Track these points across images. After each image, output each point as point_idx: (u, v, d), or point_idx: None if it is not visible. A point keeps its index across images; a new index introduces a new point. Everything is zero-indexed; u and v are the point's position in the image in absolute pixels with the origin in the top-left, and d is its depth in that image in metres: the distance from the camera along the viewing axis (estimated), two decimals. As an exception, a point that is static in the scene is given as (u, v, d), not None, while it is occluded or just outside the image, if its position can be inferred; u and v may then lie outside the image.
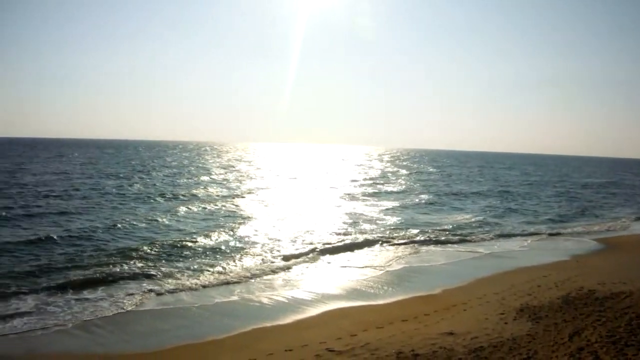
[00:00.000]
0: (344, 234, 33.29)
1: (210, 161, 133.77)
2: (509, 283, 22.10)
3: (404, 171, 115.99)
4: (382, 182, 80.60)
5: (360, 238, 32.19)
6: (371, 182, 79.37)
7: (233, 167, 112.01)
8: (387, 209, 46.68)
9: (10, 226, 30.99)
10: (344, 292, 21.35)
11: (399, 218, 41.21)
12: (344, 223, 37.82)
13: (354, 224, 37.70)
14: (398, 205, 50.19)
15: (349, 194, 58.13)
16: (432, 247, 30.81)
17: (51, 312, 17.58)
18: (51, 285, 20.07)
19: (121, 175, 74.57)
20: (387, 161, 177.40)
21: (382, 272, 24.83)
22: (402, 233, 34.21)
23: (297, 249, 28.44)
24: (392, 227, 36.57)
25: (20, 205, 38.84)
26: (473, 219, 42.07)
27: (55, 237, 27.96)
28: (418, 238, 32.85)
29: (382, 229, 35.85)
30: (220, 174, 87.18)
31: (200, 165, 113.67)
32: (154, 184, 62.28)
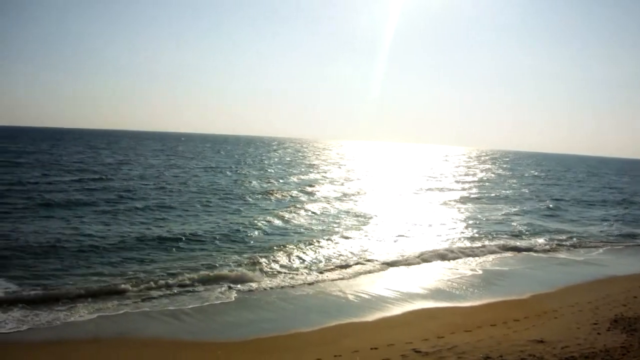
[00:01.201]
0: (445, 236, 33.85)
1: (313, 158, 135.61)
2: (604, 292, 21.73)
3: (507, 173, 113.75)
4: (489, 184, 79.10)
5: (456, 239, 32.69)
6: (478, 184, 78.26)
7: (339, 164, 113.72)
8: (504, 214, 46.02)
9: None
10: (430, 292, 21.64)
11: (517, 223, 40.70)
12: (451, 225, 38.15)
13: (460, 226, 37.99)
14: (515, 210, 49.33)
15: (457, 197, 57.50)
16: (530, 253, 30.83)
17: (149, 299, 19.19)
18: (158, 275, 21.82)
19: (236, 170, 78.49)
20: (487, 162, 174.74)
21: (469, 273, 25.01)
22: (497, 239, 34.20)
23: (393, 250, 28.92)
24: (501, 232, 36.66)
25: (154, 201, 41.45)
26: (605, 228, 41.31)
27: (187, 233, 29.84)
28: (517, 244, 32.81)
29: (487, 231, 36.03)
30: (329, 171, 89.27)
31: (308, 162, 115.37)
32: (270, 180, 65.07)
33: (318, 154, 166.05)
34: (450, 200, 54.26)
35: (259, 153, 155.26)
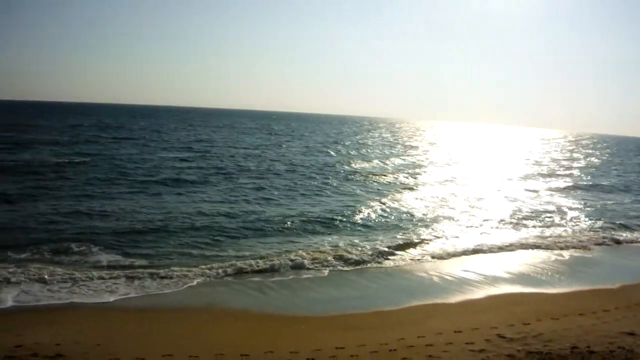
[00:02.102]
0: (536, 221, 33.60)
1: (410, 139, 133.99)
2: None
3: (613, 159, 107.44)
4: (594, 170, 75.29)
5: (544, 227, 32.21)
6: (585, 170, 74.42)
7: (438, 146, 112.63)
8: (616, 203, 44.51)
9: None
10: (515, 278, 21.71)
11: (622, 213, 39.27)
12: (553, 213, 37.10)
13: (563, 214, 36.86)
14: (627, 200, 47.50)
15: (562, 184, 55.19)
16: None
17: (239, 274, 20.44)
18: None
19: (339, 151, 79.98)
20: (588, 147, 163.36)
21: (558, 261, 24.79)
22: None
23: (484, 235, 29.01)
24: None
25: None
26: None
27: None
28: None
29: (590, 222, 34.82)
30: (428, 152, 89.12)
31: (407, 144, 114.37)
32: (372, 160, 66.08)
33: (413, 135, 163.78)
34: (556, 188, 52.28)
35: (351, 132, 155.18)
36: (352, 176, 50.15)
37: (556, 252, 26.44)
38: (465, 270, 22.35)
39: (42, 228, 24.85)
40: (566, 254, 26.10)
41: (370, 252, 23.54)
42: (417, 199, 39.56)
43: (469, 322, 16.04)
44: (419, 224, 30.45)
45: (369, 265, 22.46)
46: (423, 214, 33.47)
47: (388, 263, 22.89)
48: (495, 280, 21.30)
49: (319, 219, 29.95)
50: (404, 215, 33.02)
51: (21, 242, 22.32)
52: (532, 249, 26.88)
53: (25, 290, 17.66)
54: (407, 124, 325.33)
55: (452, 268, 22.68)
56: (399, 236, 27.14)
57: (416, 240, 26.45)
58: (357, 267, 22.07)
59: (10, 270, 18.95)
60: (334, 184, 44.27)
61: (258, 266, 21.00)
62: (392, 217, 32.09)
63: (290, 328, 15.59)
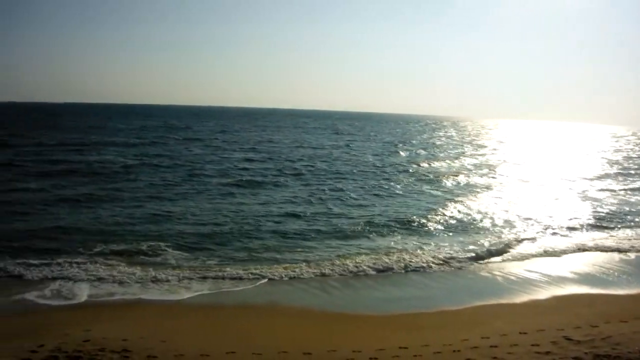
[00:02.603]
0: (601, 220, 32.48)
1: (479, 138, 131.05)
2: None
3: None
4: None
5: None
6: None
7: (507, 144, 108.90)
8: None
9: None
10: (581, 278, 21.28)
11: None
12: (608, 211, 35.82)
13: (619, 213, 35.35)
14: None
15: (637, 184, 51.64)
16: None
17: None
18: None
19: (413, 151, 79.13)
20: None
21: (622, 260, 24.18)
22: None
23: (541, 231, 28.73)
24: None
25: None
26: None
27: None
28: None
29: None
30: (498, 151, 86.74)
31: (477, 142, 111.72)
32: (444, 160, 65.22)
33: (479, 133, 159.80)
34: (633, 187, 49.20)
35: (417, 131, 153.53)
36: (425, 176, 49.69)
37: (627, 253, 25.70)
38: (529, 270, 22.04)
39: (113, 228, 25.76)
40: (632, 255, 25.34)
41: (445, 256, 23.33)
42: (492, 199, 38.82)
43: (534, 323, 15.82)
44: (497, 225, 29.91)
45: (427, 264, 22.37)
46: (500, 216, 32.60)
47: (447, 266, 22.57)
48: (560, 280, 20.93)
49: (396, 220, 29.83)
50: (480, 216, 32.35)
51: (92, 241, 23.20)
52: (603, 251, 26.10)
53: (96, 286, 18.48)
54: (470, 122, 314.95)
55: (516, 268, 22.41)
56: (477, 239, 26.72)
57: (496, 243, 25.97)
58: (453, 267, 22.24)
59: (82, 267, 19.93)
60: (407, 185, 43.88)
61: (335, 269, 21.20)
62: (468, 219, 31.46)
63: (353, 327, 15.72)
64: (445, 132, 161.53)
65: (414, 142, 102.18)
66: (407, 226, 28.74)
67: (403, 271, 21.31)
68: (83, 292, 17.93)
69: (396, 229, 28.03)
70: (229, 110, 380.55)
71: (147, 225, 26.43)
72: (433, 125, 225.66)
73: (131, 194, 34.30)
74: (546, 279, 21.04)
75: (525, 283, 20.51)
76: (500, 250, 24.51)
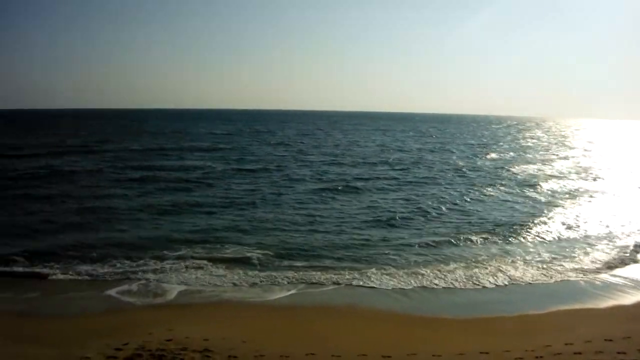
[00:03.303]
0: None
1: (567, 140, 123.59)
2: None
3: None
4: None
5: None
6: None
7: (600, 147, 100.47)
8: None
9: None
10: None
11: None
12: None
13: None
14: None
15: None
16: None
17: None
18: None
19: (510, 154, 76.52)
20: None
21: None
22: None
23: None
24: None
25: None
26: None
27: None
28: None
29: None
30: (589, 154, 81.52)
31: (568, 144, 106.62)
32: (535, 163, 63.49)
33: (567, 135, 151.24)
34: None
35: (502, 133, 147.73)
36: (520, 180, 48.16)
37: None
38: (614, 275, 21.51)
39: (199, 231, 26.77)
40: None
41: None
42: (593, 203, 37.41)
43: (620, 330, 15.40)
44: (601, 233, 28.66)
45: (512, 269, 22.06)
46: (603, 222, 31.18)
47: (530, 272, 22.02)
48: (644, 284, 20.21)
49: (494, 225, 29.31)
50: (583, 222, 31.10)
51: (179, 244, 24.31)
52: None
53: (180, 287, 19.34)
54: (553, 122, 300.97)
55: (601, 272, 21.89)
56: (583, 247, 25.82)
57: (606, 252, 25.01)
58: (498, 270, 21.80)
59: (167, 269, 20.99)
60: (503, 189, 42.58)
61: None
62: (569, 225, 30.19)
63: (432, 331, 15.78)
64: (532, 133, 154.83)
65: (502, 144, 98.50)
66: (505, 232, 27.83)
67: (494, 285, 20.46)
68: (167, 293, 18.74)
69: (494, 235, 27.34)
70: (307, 113, 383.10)
71: (234, 229, 27.26)
72: (519, 126, 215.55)
73: (219, 200, 35.34)
74: (631, 283, 20.49)
75: (609, 287, 20.03)
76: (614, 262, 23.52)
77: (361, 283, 20.07)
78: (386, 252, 24.00)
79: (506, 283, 20.39)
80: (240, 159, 59.39)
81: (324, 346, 13.87)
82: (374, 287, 19.77)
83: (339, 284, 19.95)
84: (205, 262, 21.90)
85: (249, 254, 23.04)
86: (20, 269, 20.81)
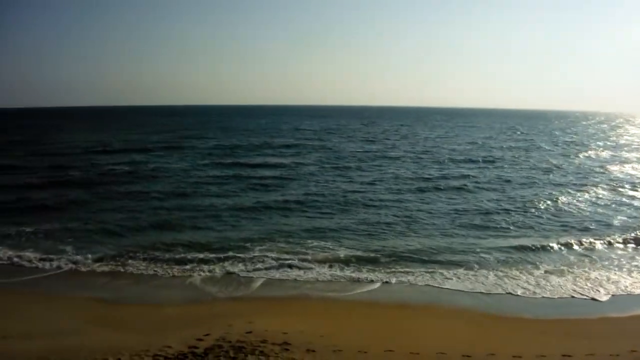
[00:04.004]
0: None
1: None
2: None
3: None
4: None
5: None
6: None
7: None
8: None
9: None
10: None
11: None
12: None
13: None
14: None
15: None
16: None
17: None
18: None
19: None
20: None
21: None
22: None
23: None
24: None
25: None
26: None
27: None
28: None
29: None
30: None
31: None
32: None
33: None
34: None
35: (582, 129, 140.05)
36: (627, 181, 45.17)
37: None
38: None
39: (282, 229, 27.35)
40: None
41: None
42: None
43: None
44: None
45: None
46: None
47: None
48: None
49: (595, 229, 28.17)
50: None
51: (264, 237, 25.38)
52: None
53: (260, 281, 20.11)
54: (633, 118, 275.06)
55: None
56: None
57: None
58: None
59: (248, 263, 21.80)
60: (608, 191, 40.10)
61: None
62: None
63: (513, 331, 15.66)
64: (624, 130, 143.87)
65: (596, 141, 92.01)
66: (601, 235, 26.68)
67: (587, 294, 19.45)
68: (248, 286, 19.43)
69: (589, 237, 26.31)
70: (372, 108, 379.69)
71: (323, 228, 27.68)
72: (608, 122, 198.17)
73: (312, 198, 35.63)
74: None
75: None
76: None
77: (442, 282, 20.14)
78: (475, 251, 23.82)
79: (601, 290, 19.66)
80: (336, 156, 59.38)
81: (403, 343, 13.96)
82: (455, 286, 19.77)
83: (418, 282, 20.06)
84: (287, 257, 22.48)
85: (333, 251, 23.42)
86: (107, 266, 21.72)
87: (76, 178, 42.13)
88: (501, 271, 21.17)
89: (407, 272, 20.88)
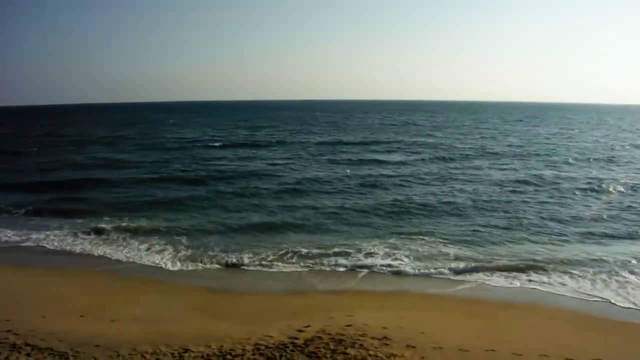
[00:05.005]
0: None
1: None
2: None
3: None
4: None
5: None
6: None
7: None
8: None
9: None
10: None
11: None
12: None
13: None
14: None
15: None
16: None
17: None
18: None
19: None
20: None
21: None
22: None
23: None
24: None
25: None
26: None
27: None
28: None
29: None
30: None
31: None
32: None
33: None
34: None
35: None
36: None
37: None
38: None
39: (399, 224, 27.88)
40: None
41: None
42: None
43: None
44: None
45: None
46: None
47: None
48: None
49: None
50: None
51: (376, 234, 25.94)
52: None
53: (360, 274, 20.59)
54: None
55: None
56: None
57: None
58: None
59: (354, 256, 22.41)
60: None
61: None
62: None
63: (624, 337, 15.21)
64: None
65: None
66: None
67: None
68: (349, 279, 19.85)
69: None
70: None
71: (435, 224, 27.83)
72: None
73: (430, 198, 34.80)
74: None
75: None
76: None
77: (549, 282, 19.76)
78: (586, 253, 23.06)
79: None
80: (460, 154, 57.65)
81: (504, 343, 13.78)
82: (564, 289, 19.24)
83: (525, 283, 19.70)
84: (390, 251, 22.92)
85: (439, 248, 23.57)
86: (215, 258, 22.69)
87: (191, 175, 43.95)
88: (617, 275, 20.33)
89: (510, 271, 20.71)
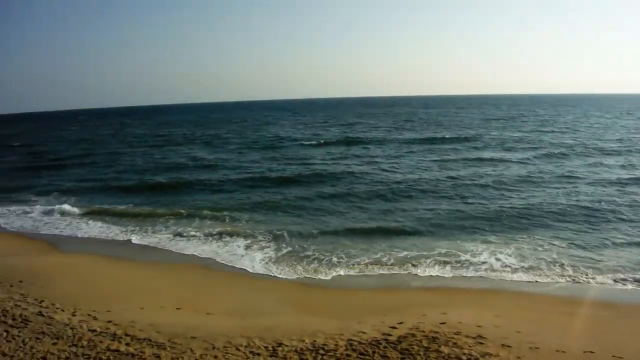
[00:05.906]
0: None
1: None
2: None
3: None
4: None
5: None
6: None
7: None
8: None
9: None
10: None
11: None
12: None
13: None
14: None
15: None
16: None
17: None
18: None
19: None
20: None
21: None
22: None
23: None
24: None
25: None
26: None
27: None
28: None
29: None
30: None
31: None
32: None
33: None
34: None
35: None
36: None
37: None
38: None
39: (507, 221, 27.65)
40: None
41: None
42: None
43: None
44: None
45: None
46: None
47: None
48: None
49: None
50: None
51: (474, 233, 25.65)
52: None
53: (458, 271, 20.69)
54: None
55: None
56: None
57: None
58: None
59: (442, 253, 22.57)
60: None
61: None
62: None
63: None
64: None
65: None
66: None
67: None
68: (443, 277, 20.01)
69: None
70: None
71: (534, 224, 27.19)
72: None
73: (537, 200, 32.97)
74: None
75: None
76: None
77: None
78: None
79: None
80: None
81: (604, 345, 13.40)
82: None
83: (629, 282, 19.08)
84: (490, 249, 22.90)
85: (535, 246, 23.18)
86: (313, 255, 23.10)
87: (289, 174, 44.62)
88: None
89: (606, 270, 20.17)
